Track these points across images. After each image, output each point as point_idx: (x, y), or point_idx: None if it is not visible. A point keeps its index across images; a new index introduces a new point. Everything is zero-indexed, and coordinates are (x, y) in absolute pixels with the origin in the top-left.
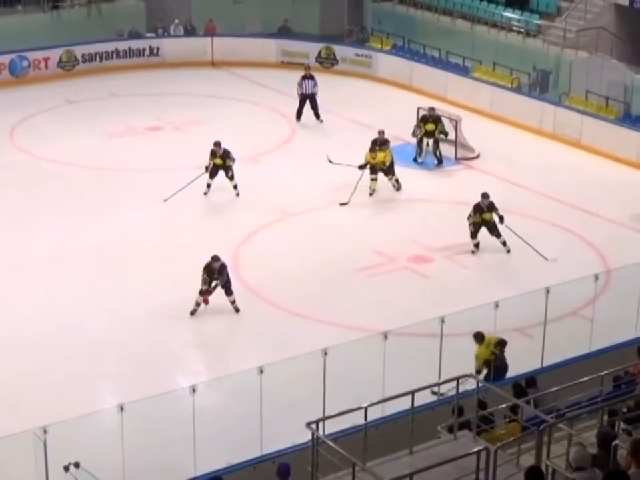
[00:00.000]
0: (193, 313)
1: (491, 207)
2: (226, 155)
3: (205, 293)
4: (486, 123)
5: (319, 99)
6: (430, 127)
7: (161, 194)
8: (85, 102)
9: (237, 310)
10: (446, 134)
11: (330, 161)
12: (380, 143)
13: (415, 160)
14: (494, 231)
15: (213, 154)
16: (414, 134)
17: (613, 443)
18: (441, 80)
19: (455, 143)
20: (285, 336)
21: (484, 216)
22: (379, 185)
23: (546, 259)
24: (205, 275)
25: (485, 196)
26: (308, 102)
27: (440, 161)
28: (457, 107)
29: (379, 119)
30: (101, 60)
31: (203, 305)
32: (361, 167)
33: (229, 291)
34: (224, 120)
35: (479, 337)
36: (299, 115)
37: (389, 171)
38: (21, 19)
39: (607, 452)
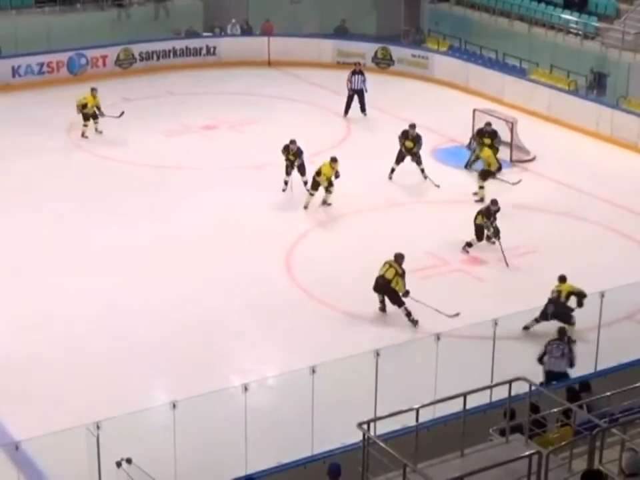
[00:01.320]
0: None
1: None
2: (297, 154)
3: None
4: (542, 126)
5: (367, 95)
6: (487, 141)
7: (215, 193)
8: (142, 100)
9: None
10: (497, 148)
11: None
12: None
13: (465, 167)
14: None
15: (286, 149)
16: (469, 146)
17: None
18: (497, 82)
19: (510, 145)
20: (337, 336)
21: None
22: (433, 187)
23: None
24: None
25: (494, 203)
26: (356, 97)
27: (499, 168)
28: (513, 109)
29: (435, 120)
30: (158, 58)
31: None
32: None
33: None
34: (279, 120)
35: (562, 278)
36: (346, 109)
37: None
38: (80, 17)
39: None
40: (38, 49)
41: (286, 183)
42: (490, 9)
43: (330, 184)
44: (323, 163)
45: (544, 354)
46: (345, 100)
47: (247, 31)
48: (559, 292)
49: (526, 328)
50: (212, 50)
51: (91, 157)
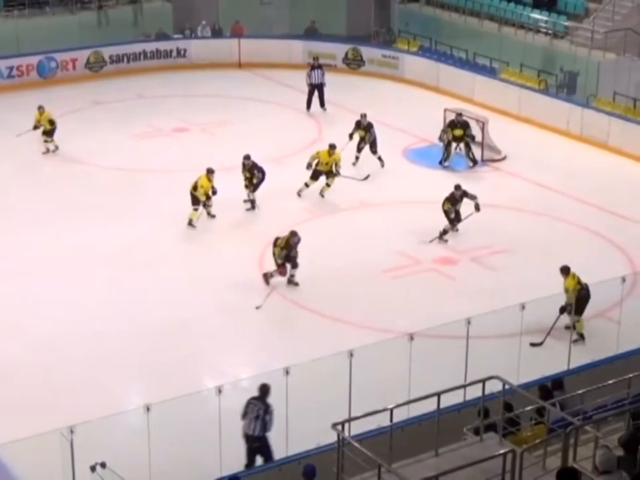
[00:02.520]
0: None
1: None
2: (252, 169)
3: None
4: (513, 125)
5: (326, 89)
6: (458, 132)
7: (185, 196)
8: (112, 103)
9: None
10: (473, 138)
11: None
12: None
13: (440, 163)
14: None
15: (244, 166)
16: (440, 138)
17: None
18: (468, 81)
19: (481, 144)
20: (311, 337)
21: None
22: (404, 187)
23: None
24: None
25: (457, 187)
26: (316, 91)
27: (475, 162)
28: (484, 108)
29: (406, 120)
30: (128, 61)
31: (279, 277)
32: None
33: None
34: (250, 121)
35: (565, 270)
36: (309, 104)
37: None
38: (49, 21)
39: (632, 455)
40: (7, 53)
41: (246, 201)
42: (460, 8)
43: (208, 197)
44: (200, 176)
45: (245, 413)
46: (315, 101)
47: (217, 33)
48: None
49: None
50: (182, 52)
51: (62, 160)
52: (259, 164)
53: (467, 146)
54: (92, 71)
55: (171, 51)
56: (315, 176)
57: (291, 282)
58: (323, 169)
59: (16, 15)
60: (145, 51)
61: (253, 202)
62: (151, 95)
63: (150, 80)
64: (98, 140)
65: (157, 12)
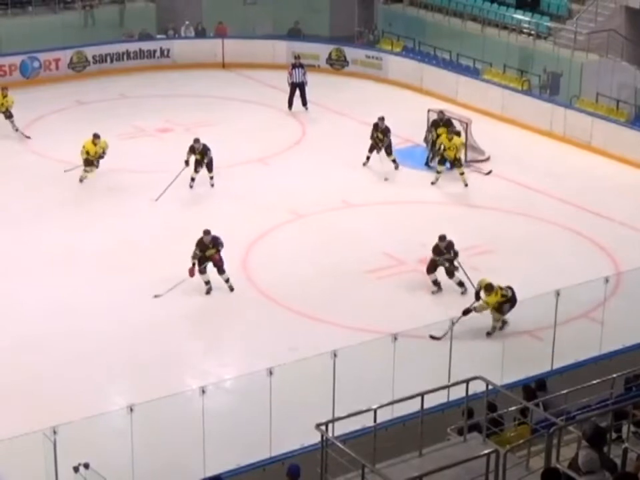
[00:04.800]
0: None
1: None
2: (204, 151)
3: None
4: (496, 125)
5: (307, 88)
6: (441, 130)
7: (170, 196)
8: (95, 103)
9: (232, 289)
10: (458, 134)
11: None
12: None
13: (426, 164)
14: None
15: (192, 150)
16: (425, 139)
17: (623, 446)
18: (451, 82)
19: (465, 145)
20: (294, 337)
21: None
22: (388, 188)
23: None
24: (197, 250)
25: (441, 239)
26: (298, 90)
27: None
28: (467, 109)
29: (389, 120)
30: (111, 61)
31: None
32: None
33: (220, 270)
34: (234, 121)
35: (489, 288)
36: (290, 103)
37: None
38: (32, 20)
39: (598, 450)
40: None
41: (193, 179)
42: (443, 9)
43: (88, 161)
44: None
45: None
46: (298, 102)
47: (200, 33)
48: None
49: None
50: (166, 52)
51: (44, 160)
52: (243, 163)
53: None
54: (75, 71)
55: (155, 51)
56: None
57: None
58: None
59: None
60: (128, 51)
61: (212, 178)
62: (134, 95)
63: (133, 80)
64: (81, 140)
65: (140, 12)
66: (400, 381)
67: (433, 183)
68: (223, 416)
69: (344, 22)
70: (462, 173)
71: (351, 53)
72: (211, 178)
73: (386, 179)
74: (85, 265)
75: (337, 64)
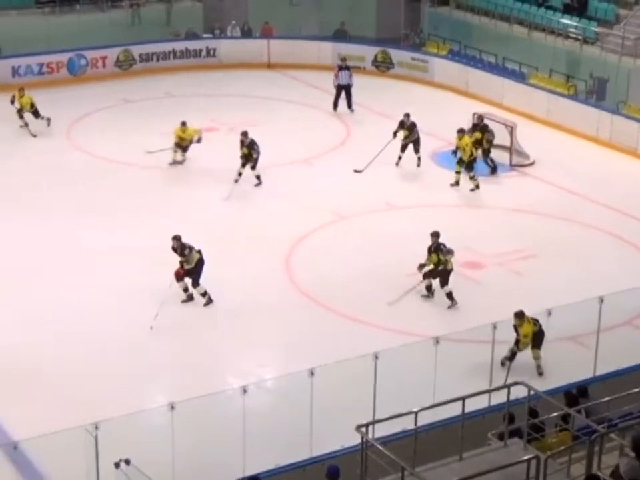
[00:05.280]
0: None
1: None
2: (251, 146)
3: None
4: (541, 130)
5: (353, 90)
6: (477, 135)
7: (213, 194)
8: (141, 101)
9: (190, 298)
10: (491, 142)
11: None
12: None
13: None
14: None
15: (241, 143)
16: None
17: None
18: (497, 86)
19: (509, 149)
20: (336, 339)
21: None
22: (431, 191)
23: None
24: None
25: (433, 235)
26: (343, 92)
27: (494, 169)
28: (512, 113)
29: (434, 124)
30: (157, 60)
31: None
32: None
33: (195, 283)
34: (278, 122)
35: (520, 315)
36: (335, 105)
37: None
38: (79, 18)
39: None
40: (38, 49)
41: (240, 174)
42: (490, 13)
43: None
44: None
45: None
46: (343, 103)
47: (246, 33)
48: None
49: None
50: (212, 52)
51: (90, 158)
52: (287, 164)
53: (484, 151)
54: (121, 69)
55: (201, 51)
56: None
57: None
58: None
59: (47, 13)
60: (174, 50)
61: (259, 177)
62: (179, 94)
63: (179, 79)
64: (126, 138)
65: (187, 11)
66: (441, 384)
67: (452, 185)
68: (264, 416)
69: (390, 24)
70: (471, 177)
71: (396, 55)
72: (257, 177)
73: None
74: (130, 262)
75: (383, 66)
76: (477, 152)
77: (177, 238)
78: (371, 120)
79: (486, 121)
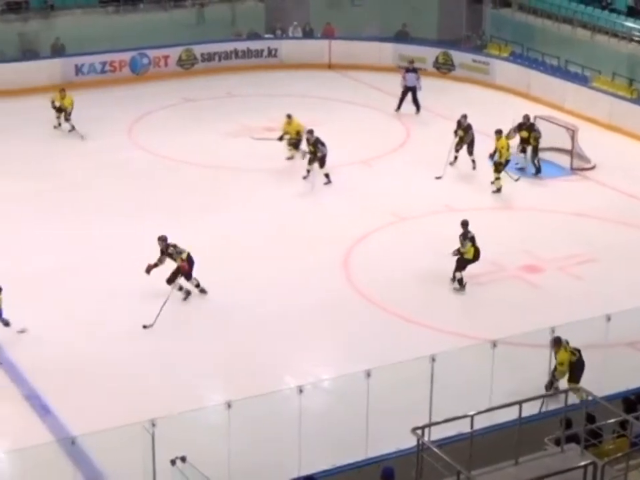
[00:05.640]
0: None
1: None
2: (316, 144)
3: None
4: (603, 134)
5: (420, 93)
6: (523, 134)
7: (271, 193)
8: (202, 100)
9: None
10: (537, 140)
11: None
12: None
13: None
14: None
15: (307, 141)
16: (508, 136)
17: None
18: (558, 89)
19: (571, 153)
20: (392, 340)
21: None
22: (489, 193)
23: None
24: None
25: (463, 224)
26: (410, 94)
27: (538, 170)
28: (574, 116)
29: (495, 126)
30: (219, 60)
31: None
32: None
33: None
34: (338, 122)
35: (557, 342)
36: (399, 105)
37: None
38: (142, 18)
39: None
40: (101, 48)
41: (308, 171)
42: (552, 15)
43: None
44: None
45: None
46: (404, 105)
47: (308, 34)
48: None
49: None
50: (273, 52)
51: (151, 156)
52: (346, 164)
53: (534, 151)
54: (183, 68)
55: (262, 51)
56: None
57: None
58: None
59: (111, 12)
60: (236, 50)
61: (327, 175)
62: (240, 94)
63: (240, 79)
64: (187, 137)
65: (249, 12)
66: (498, 388)
67: (492, 183)
68: (319, 416)
69: (452, 25)
70: (497, 178)
71: (458, 56)
72: (326, 175)
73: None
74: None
75: (444, 67)
76: (526, 150)
77: (161, 239)
78: (431, 122)
79: (547, 124)
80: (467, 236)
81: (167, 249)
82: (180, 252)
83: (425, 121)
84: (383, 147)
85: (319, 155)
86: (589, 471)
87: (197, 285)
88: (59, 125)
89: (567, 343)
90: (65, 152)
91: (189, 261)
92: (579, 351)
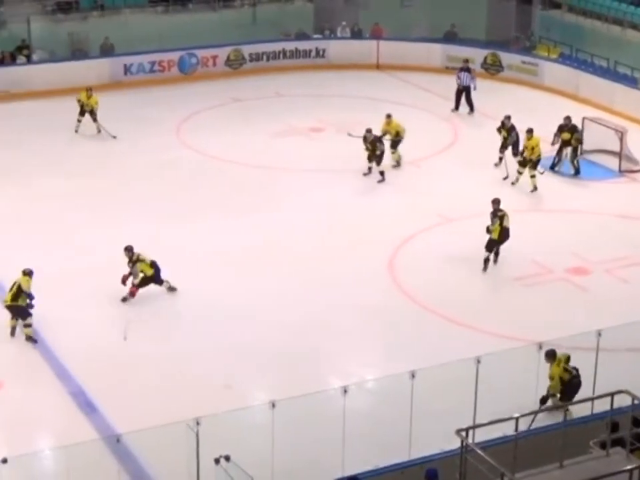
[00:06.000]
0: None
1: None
2: (375, 142)
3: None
4: None
5: (474, 93)
6: (565, 135)
7: (319, 195)
8: (250, 100)
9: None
10: (580, 142)
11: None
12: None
13: (551, 168)
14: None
15: (364, 139)
16: (552, 143)
17: None
18: (608, 90)
19: (619, 154)
20: (438, 341)
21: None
22: (541, 193)
23: None
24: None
25: (494, 202)
26: (464, 94)
27: (577, 171)
28: (623, 118)
29: (544, 127)
30: (267, 60)
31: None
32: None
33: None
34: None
35: (550, 355)
36: (456, 105)
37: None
38: (191, 18)
39: None
40: (150, 48)
41: (369, 169)
42: (602, 16)
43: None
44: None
45: None
46: (452, 105)
47: (356, 34)
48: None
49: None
50: (321, 52)
51: (199, 156)
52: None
53: (574, 152)
54: (231, 68)
55: (310, 51)
56: (524, 163)
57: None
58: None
59: (160, 12)
60: (284, 50)
61: (382, 173)
62: (288, 94)
63: (288, 79)
64: (235, 137)
65: (298, 12)
66: (543, 390)
67: (513, 184)
68: (363, 416)
69: (501, 26)
70: (533, 176)
71: (506, 57)
72: (381, 173)
73: (510, 181)
74: (234, 262)
75: (492, 69)
76: (567, 152)
77: (127, 249)
78: (479, 123)
79: (596, 126)
80: (496, 214)
81: (132, 258)
82: (143, 260)
83: (473, 123)
84: (431, 148)
85: (377, 152)
86: (634, 475)
87: (169, 288)
88: (77, 131)
89: (568, 360)
90: (113, 151)
91: (155, 267)
92: (576, 370)
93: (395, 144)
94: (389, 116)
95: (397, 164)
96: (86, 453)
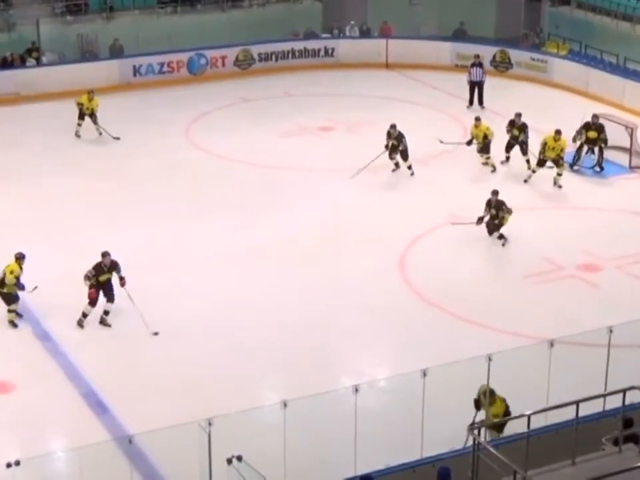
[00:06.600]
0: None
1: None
2: (400, 138)
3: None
4: None
5: (486, 87)
6: (592, 134)
7: (328, 194)
8: (260, 100)
9: (107, 325)
10: (605, 142)
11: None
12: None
13: (570, 166)
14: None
15: (388, 135)
16: (574, 140)
17: None
18: (618, 87)
19: (629, 151)
20: (449, 339)
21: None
22: (551, 190)
23: None
24: (92, 272)
25: (493, 193)
26: (476, 89)
27: (601, 168)
28: (633, 114)
29: (553, 124)
30: (276, 59)
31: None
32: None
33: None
34: (396, 122)
35: (492, 394)
36: (470, 100)
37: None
38: (200, 18)
39: None
40: (159, 49)
41: (396, 164)
42: (611, 12)
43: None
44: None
45: None
46: (462, 103)
47: (365, 33)
48: None
49: None
50: (330, 51)
51: (208, 156)
52: (402, 163)
53: (600, 151)
54: (240, 69)
55: (319, 50)
56: (541, 163)
57: (103, 321)
58: (550, 156)
59: (169, 12)
60: (293, 50)
61: (410, 167)
62: (297, 94)
63: (297, 78)
64: (244, 137)
65: (306, 11)
66: (555, 387)
67: (525, 181)
68: (375, 415)
69: (509, 23)
70: (560, 174)
71: (515, 55)
72: (409, 167)
73: (525, 181)
74: (244, 262)
75: (501, 66)
76: (592, 150)
77: (105, 255)
78: (488, 120)
79: (605, 122)
80: (499, 205)
81: (115, 267)
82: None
83: (483, 120)
84: (440, 146)
85: (401, 148)
86: None
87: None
88: (78, 135)
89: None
90: (123, 152)
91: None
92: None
93: (483, 148)
94: (477, 119)
95: (494, 168)
96: (98, 453)
